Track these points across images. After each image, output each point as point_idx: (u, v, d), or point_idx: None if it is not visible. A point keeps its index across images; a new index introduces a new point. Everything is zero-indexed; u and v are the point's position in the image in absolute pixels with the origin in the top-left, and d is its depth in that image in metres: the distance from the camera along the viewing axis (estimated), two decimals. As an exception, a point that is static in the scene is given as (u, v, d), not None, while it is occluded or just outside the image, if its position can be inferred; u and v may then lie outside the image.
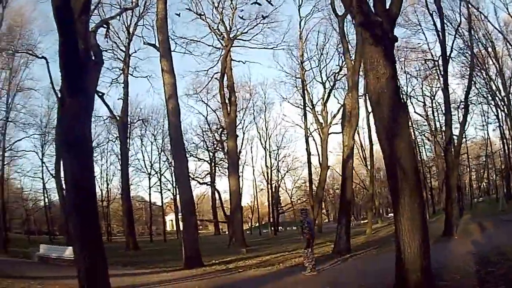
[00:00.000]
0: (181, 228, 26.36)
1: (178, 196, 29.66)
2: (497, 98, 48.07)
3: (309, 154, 51.05)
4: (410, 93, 53.70)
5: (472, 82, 35.08)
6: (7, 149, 45.87)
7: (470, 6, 34.41)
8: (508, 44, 43.14)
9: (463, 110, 31.49)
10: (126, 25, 43.62)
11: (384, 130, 9.24)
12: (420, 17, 42.46)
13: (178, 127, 23.03)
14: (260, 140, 66.43)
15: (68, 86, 8.57)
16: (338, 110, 48.96)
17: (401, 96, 48.33)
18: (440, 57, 29.32)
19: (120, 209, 55.03)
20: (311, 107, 51.61)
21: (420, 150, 60.17)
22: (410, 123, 55.20)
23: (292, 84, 55.19)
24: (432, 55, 43.39)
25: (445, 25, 28.78)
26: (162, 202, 67.72)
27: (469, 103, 31.09)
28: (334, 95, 54.11)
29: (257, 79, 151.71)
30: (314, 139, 55.46)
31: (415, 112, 55.79)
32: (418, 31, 44.29)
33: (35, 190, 59.49)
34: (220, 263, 21.75)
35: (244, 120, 61.18)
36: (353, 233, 29.54)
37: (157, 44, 30.13)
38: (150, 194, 64.78)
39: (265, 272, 17.29)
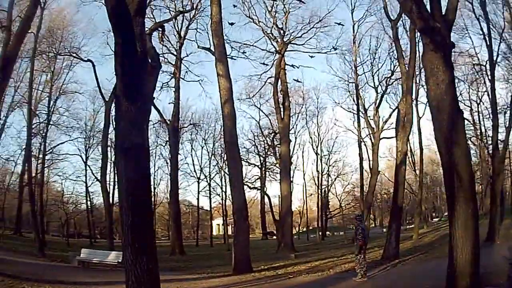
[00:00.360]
0: (230, 233, 26.48)
1: (227, 201, 29.73)
2: None
3: (361, 159, 50.52)
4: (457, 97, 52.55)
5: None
6: (48, 152, 46.58)
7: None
8: None
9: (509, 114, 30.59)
10: (177, 29, 43.78)
11: (443, 137, 9.29)
12: (467, 22, 41.62)
13: (234, 131, 23.00)
14: (312, 145, 65.79)
15: (125, 90, 8.50)
16: (390, 115, 48.70)
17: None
18: (487, 61, 29.14)
19: (166, 213, 55.58)
20: (363, 111, 51.01)
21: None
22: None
23: (345, 89, 54.25)
24: (478, 60, 42.57)
25: (491, 30, 28.43)
26: (210, 206, 67.38)
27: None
28: (386, 100, 53.70)
29: (310, 84, 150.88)
30: (365, 144, 54.88)
31: None
32: (465, 35, 43.52)
33: (77, 194, 59.96)
34: (269, 268, 21.70)
35: (296, 125, 60.88)
36: (400, 238, 29.44)
37: (212, 48, 29.93)
38: (198, 198, 64.01)
39: (315, 278, 17.21)
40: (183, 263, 29.16)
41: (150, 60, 10.18)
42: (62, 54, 42.38)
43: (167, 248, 38.50)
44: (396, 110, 33.03)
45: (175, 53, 44.00)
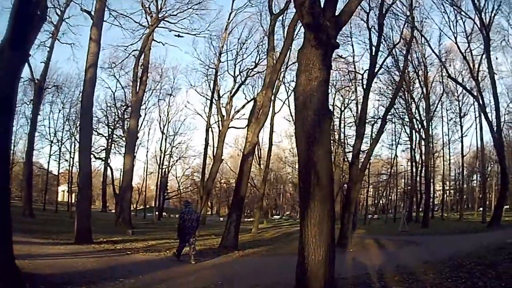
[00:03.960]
0: (73, 201, 25.63)
1: (74, 168, 28.59)
2: (414, 120, 50.89)
3: (207, 144, 51.17)
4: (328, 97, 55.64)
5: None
6: None
7: (414, 28, 36.26)
8: (445, 70, 46.05)
9: (378, 125, 32.70)
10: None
11: (305, 134, 9.06)
12: (354, 30, 44.19)
13: (91, 97, 22.33)
14: (160, 123, 66.30)
15: (14, 37, 8.01)
16: (244, 106, 50.30)
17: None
18: (367, 71, 30.07)
19: (20, 173, 52.32)
20: (217, 98, 51.57)
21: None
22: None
23: (204, 73, 54.92)
24: (355, 68, 45.92)
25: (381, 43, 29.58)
26: (58, 171, 65.40)
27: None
28: (243, 90, 54.86)
29: (170, 63, 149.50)
30: (212, 131, 55.59)
31: None
32: (347, 42, 46.16)
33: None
34: (108, 242, 21.32)
35: (149, 102, 60.36)
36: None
37: (92, 12, 28.52)
38: (49, 162, 62.31)
39: (152, 257, 17.15)
40: (32, 225, 27.67)
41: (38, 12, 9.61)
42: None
43: (18, 209, 36.28)
44: (253, 101, 33.77)
45: (59, 12, 40.99)
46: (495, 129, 35.75)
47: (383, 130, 30.82)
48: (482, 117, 46.34)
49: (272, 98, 38.10)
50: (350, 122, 56.74)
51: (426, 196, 48.31)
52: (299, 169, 9.67)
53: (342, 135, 56.21)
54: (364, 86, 30.68)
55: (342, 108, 56.46)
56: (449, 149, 62.92)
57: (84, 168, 21.76)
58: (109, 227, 33.07)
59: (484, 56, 38.20)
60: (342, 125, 56.85)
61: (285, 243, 27.26)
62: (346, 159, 51.13)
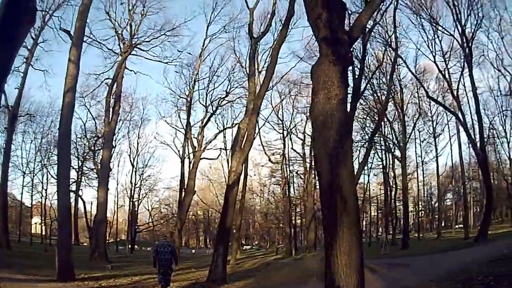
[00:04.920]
0: (45, 233, 24.39)
1: (47, 200, 27.42)
2: (388, 143, 51.12)
3: (182, 175, 49.99)
4: (291, 129, 55.49)
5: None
6: None
7: (391, 50, 36.76)
8: (423, 90, 45.80)
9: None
10: (43, 13, 39.50)
11: (328, 156, 8.49)
12: None
13: (69, 123, 21.59)
14: (130, 155, 65.29)
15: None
16: (215, 136, 50.84)
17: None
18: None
19: None
20: (188, 129, 50.61)
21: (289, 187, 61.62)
22: (285, 159, 57.03)
23: (173, 103, 54.13)
24: None
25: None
26: (31, 203, 64.32)
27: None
28: (215, 120, 54.99)
29: (140, 93, 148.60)
30: (182, 161, 54.66)
31: (292, 148, 57.91)
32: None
33: None
34: (91, 278, 20.33)
35: (118, 134, 58.45)
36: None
37: (72, 32, 27.98)
38: (22, 193, 61.29)
39: None
40: (10, 258, 26.68)
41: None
42: None
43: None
44: (223, 132, 33.19)
45: (33, 36, 39.87)
46: (478, 145, 35.75)
47: (369, 153, 30.59)
48: (462, 134, 47.43)
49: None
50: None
51: (405, 218, 47.98)
52: (321, 193, 9.06)
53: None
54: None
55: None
56: (422, 170, 63.13)
57: (63, 201, 20.91)
58: (85, 262, 31.66)
59: (463, 73, 38.65)
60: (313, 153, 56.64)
61: (267, 273, 26.59)
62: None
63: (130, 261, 41.29)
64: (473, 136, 38.24)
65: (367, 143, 28.94)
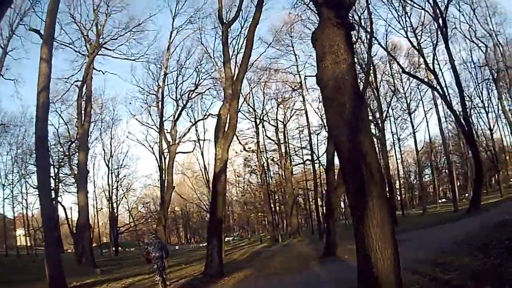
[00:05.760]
0: (30, 244, 23.46)
1: (28, 211, 26.48)
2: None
3: (161, 172, 49.10)
4: (263, 116, 54.83)
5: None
6: None
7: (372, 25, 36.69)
8: (398, 66, 46.43)
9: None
10: (10, 21, 38.22)
11: (346, 124, 7.91)
12: (296, 39, 44.10)
13: (45, 125, 20.54)
14: (104, 157, 64.07)
15: None
16: (189, 129, 50.43)
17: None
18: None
19: None
20: (161, 125, 49.67)
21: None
22: (259, 147, 56.44)
23: (143, 100, 52.86)
24: (300, 78, 46.96)
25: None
26: (14, 215, 62.39)
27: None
28: (187, 113, 54.58)
29: (109, 94, 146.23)
30: (156, 159, 53.54)
31: (266, 135, 57.39)
32: (289, 52, 45.85)
33: None
34: (83, 286, 19.99)
35: (90, 137, 57.43)
36: (200, 256, 29.23)
37: (42, 31, 27.50)
38: (3, 206, 60.97)
39: None
40: (1, 275, 26.40)
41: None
42: None
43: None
44: (198, 123, 32.47)
45: (2, 45, 38.65)
46: (461, 117, 35.63)
47: None
48: (439, 108, 48.01)
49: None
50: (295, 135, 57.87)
51: (390, 195, 47.88)
52: (343, 165, 8.41)
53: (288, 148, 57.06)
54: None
55: (285, 122, 56.68)
56: (399, 147, 63.26)
57: (46, 208, 19.74)
58: (73, 269, 30.46)
59: (436, 46, 38.71)
60: (287, 138, 57.30)
61: (262, 262, 25.73)
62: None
63: (117, 263, 40.47)
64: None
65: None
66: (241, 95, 28.39)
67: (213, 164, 35.78)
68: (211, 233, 21.26)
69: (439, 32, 36.51)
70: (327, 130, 36.35)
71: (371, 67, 45.22)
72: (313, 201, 76.72)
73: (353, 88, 8.04)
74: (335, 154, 27.20)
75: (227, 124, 22.74)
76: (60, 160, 55.72)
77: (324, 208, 39.91)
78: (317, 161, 52.82)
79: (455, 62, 36.75)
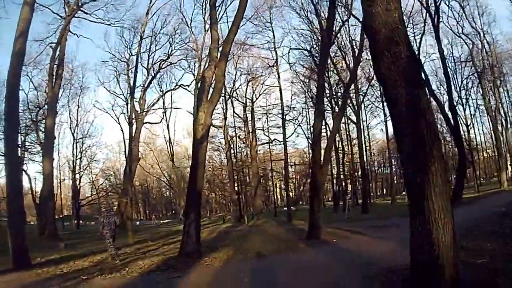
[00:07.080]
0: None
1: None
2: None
3: (130, 143, 47.63)
4: (232, 92, 53.52)
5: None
6: None
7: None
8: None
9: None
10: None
11: (402, 75, 7.06)
12: (276, 15, 43.48)
13: (18, 73, 19.74)
14: (70, 126, 62.55)
15: None
16: (158, 99, 51.79)
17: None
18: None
19: None
20: (131, 92, 48.89)
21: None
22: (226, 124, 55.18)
23: (113, 67, 52.39)
24: (277, 55, 47.55)
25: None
26: None
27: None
28: (157, 84, 54.80)
29: (80, 60, 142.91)
30: (122, 129, 53.65)
31: (234, 112, 56.79)
32: (268, 28, 45.05)
33: None
34: (48, 262, 18.40)
35: (58, 103, 55.20)
36: (164, 233, 30.21)
37: None
38: None
39: (119, 281, 13.40)
40: None
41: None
42: None
43: None
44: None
45: None
46: (446, 106, 35.45)
47: (345, 106, 30.01)
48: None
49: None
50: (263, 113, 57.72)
51: (363, 181, 47.41)
52: (396, 124, 7.59)
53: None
54: (317, 62, 30.45)
55: (254, 99, 55.86)
56: (368, 135, 63.32)
57: (12, 176, 18.73)
58: (35, 242, 29.30)
59: (422, 37, 41.15)
60: (253, 116, 56.79)
61: (239, 242, 23.94)
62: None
63: (79, 237, 38.87)
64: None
65: (342, 96, 28.18)
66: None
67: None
68: (189, 207, 19.19)
69: (426, 23, 38.39)
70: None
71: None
72: (279, 182, 76.18)
73: (407, 39, 7.38)
74: (321, 128, 26.69)
75: (211, 88, 21.28)
76: (27, 128, 52.88)
77: (303, 187, 39.23)
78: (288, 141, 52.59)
79: (436, 55, 37.11)
